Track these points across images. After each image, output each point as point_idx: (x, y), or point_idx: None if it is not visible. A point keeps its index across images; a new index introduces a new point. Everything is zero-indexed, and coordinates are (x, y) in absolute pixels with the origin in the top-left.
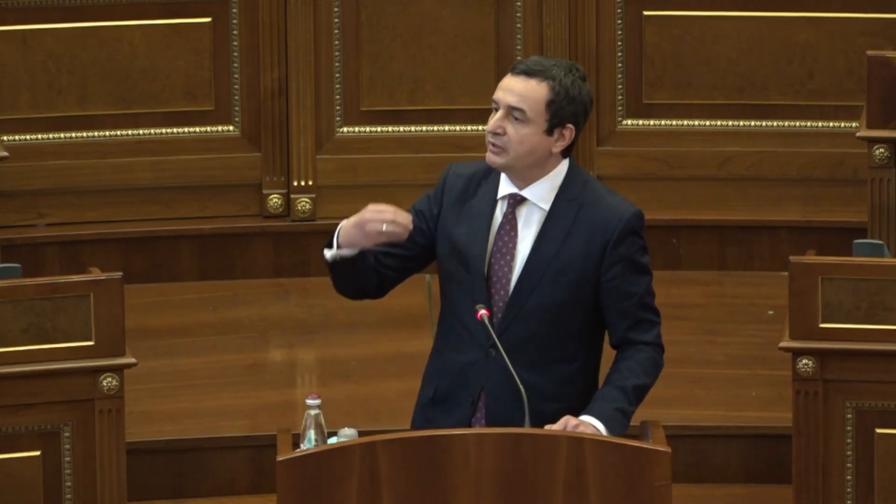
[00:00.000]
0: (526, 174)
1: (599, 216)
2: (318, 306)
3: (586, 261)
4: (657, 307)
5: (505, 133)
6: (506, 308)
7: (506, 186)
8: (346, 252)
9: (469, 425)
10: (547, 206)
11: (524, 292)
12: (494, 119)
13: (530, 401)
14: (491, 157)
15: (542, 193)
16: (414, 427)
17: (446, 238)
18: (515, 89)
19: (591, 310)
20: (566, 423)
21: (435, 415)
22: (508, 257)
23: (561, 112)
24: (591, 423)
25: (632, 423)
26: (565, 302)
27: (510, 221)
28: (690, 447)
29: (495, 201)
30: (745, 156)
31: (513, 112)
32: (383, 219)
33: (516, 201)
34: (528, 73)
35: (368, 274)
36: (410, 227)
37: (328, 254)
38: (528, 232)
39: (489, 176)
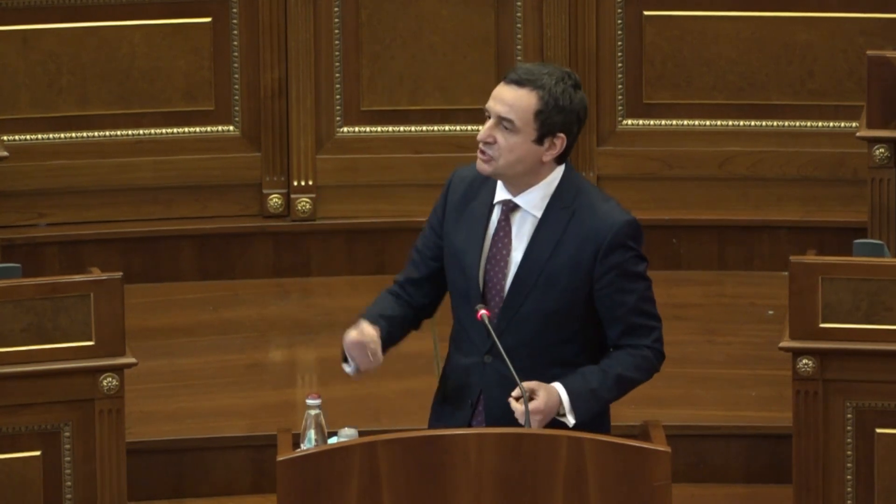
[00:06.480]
0: (518, 182)
1: (591, 224)
2: (318, 306)
3: (577, 269)
4: (656, 313)
5: (495, 142)
6: (500, 314)
7: (501, 192)
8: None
9: (469, 426)
10: (539, 214)
11: (517, 299)
12: (485, 128)
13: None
14: (480, 165)
15: (534, 201)
16: (429, 424)
17: (447, 244)
18: (505, 99)
19: (587, 315)
20: (522, 388)
21: (443, 413)
22: (502, 264)
23: (550, 121)
24: (554, 390)
25: (631, 424)
26: (557, 309)
27: (504, 228)
28: (690, 447)
29: (492, 206)
30: (745, 156)
31: (502, 121)
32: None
33: (509, 208)
34: (519, 82)
35: (407, 329)
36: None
37: (351, 371)
38: (521, 239)
39: (490, 178)
